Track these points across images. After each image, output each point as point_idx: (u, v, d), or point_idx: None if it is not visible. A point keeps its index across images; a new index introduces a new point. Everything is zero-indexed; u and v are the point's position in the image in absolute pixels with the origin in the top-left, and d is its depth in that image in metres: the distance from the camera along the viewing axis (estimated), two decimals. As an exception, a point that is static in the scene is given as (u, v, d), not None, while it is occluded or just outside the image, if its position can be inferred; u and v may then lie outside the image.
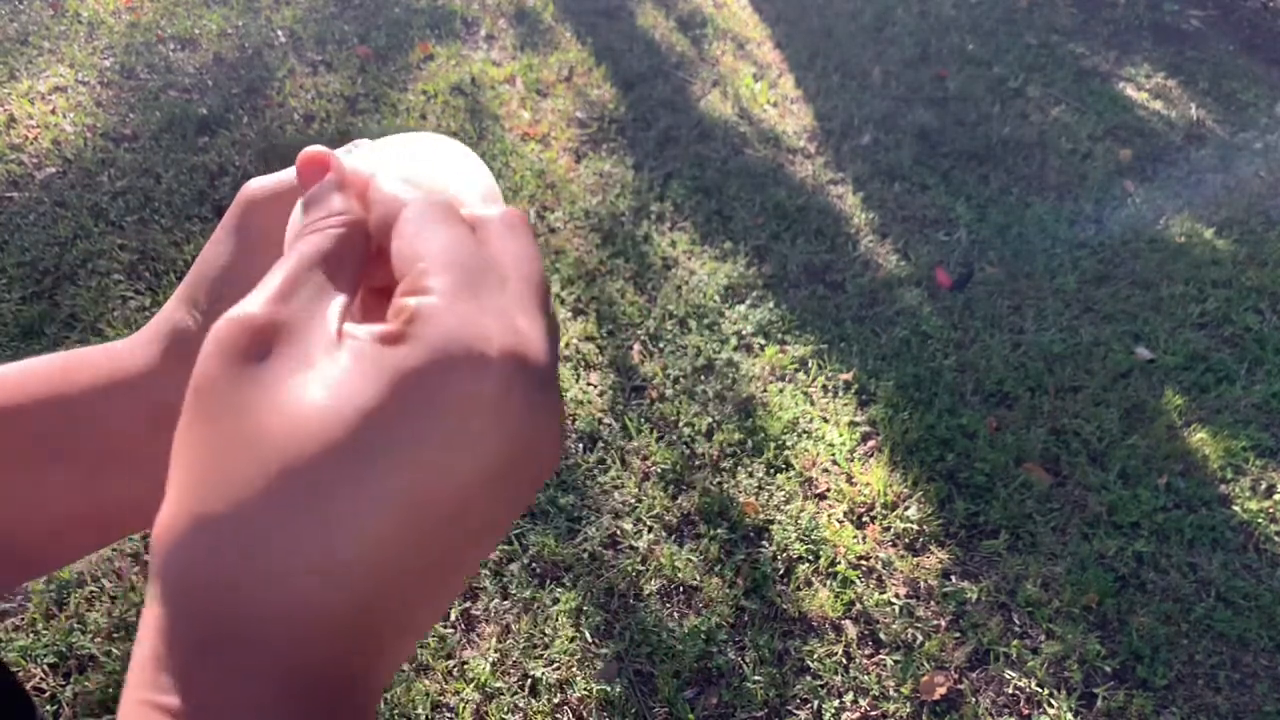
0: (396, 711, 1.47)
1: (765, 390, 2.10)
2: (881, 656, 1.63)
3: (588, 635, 1.61)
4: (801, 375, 2.16)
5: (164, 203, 2.51)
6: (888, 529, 1.83)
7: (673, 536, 1.79)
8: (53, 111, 2.85)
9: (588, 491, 1.85)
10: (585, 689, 1.53)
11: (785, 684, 1.57)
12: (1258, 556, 1.83)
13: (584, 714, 1.51)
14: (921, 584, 1.75)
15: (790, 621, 1.66)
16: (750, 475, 1.91)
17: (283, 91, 3.02)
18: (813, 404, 2.09)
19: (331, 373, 0.21)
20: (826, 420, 2.05)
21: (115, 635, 1.55)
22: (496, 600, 1.65)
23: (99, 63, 3.12)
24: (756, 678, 1.56)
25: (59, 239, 2.36)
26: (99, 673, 1.49)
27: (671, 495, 1.86)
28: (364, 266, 0.26)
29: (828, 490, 1.90)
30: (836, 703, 1.55)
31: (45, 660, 1.50)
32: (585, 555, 1.73)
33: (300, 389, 0.21)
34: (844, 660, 1.61)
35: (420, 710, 1.48)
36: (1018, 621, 1.70)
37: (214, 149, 2.71)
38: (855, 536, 1.81)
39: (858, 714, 1.54)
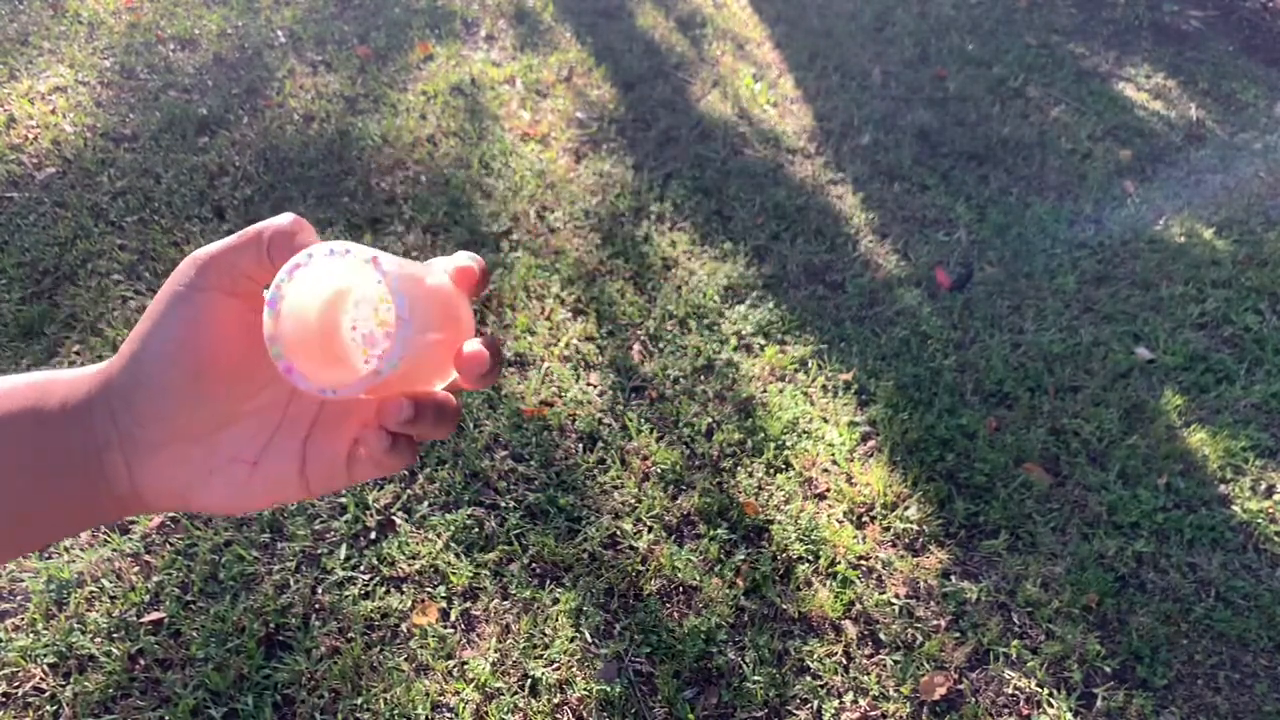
0: (396, 711, 1.47)
1: (765, 390, 2.10)
2: (881, 656, 1.62)
3: (588, 635, 1.61)
4: (801, 375, 2.16)
5: (164, 203, 2.51)
6: (888, 529, 1.83)
7: (673, 536, 1.79)
8: (53, 111, 2.85)
9: (588, 491, 1.85)
10: (585, 689, 1.53)
11: (785, 684, 1.57)
12: (1258, 556, 1.83)
13: (584, 714, 1.51)
14: (921, 584, 1.75)
15: (790, 621, 1.66)
16: (750, 475, 1.91)
17: (283, 91, 3.02)
18: (812, 404, 2.09)
19: None
20: (826, 420, 2.05)
21: (115, 635, 1.55)
22: (496, 600, 1.65)
23: (99, 63, 3.12)
24: (756, 678, 1.56)
25: (59, 239, 2.36)
26: (99, 673, 1.49)
27: (671, 495, 1.86)
28: None
29: (828, 490, 1.90)
30: (836, 703, 1.55)
31: (45, 660, 1.50)
32: (585, 555, 1.73)
33: None
34: (844, 660, 1.61)
35: (420, 710, 1.48)
36: (1018, 621, 1.70)
37: (214, 149, 2.71)
38: (855, 536, 1.81)
39: (857, 714, 1.54)
